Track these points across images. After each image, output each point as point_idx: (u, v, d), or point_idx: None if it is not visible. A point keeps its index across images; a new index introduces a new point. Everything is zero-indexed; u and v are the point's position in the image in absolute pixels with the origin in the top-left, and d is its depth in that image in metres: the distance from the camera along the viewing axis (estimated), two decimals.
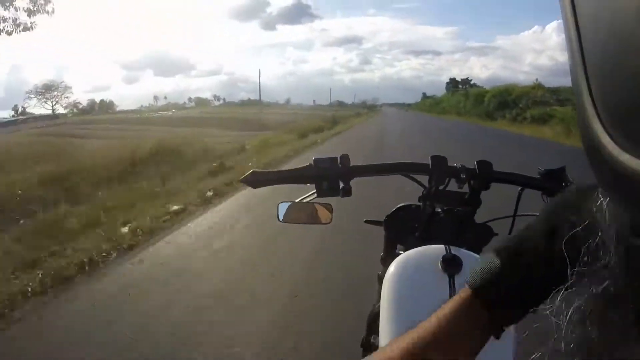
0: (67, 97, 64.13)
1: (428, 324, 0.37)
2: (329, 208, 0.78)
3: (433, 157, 0.77)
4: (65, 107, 64.77)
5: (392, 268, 0.72)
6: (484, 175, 0.75)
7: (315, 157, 0.74)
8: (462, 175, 0.75)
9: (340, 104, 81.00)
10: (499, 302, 0.34)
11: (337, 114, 30.41)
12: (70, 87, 65.71)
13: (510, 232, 0.73)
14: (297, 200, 0.78)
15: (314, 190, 0.74)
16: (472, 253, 0.70)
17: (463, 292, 0.36)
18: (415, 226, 0.82)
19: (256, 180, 0.74)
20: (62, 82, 65.02)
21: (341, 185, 0.73)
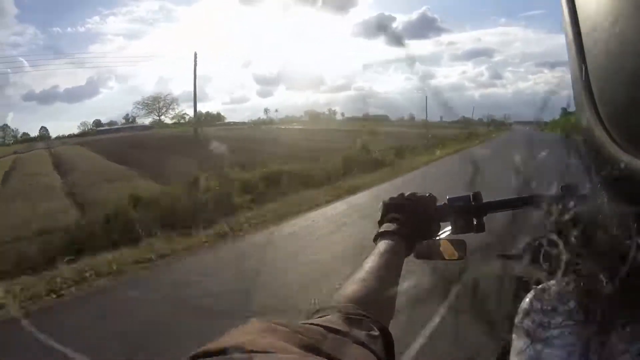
0: (172, 109, 68.58)
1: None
2: (463, 244, 0.80)
3: (563, 187, 0.75)
4: (172, 118, 69.26)
5: (526, 301, 0.72)
6: None
7: (449, 197, 0.77)
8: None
9: (466, 121, 74.42)
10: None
11: (439, 134, 27.99)
12: (177, 99, 69.71)
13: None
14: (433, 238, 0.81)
15: (449, 227, 0.77)
16: None
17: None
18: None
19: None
20: (168, 95, 69.07)
21: (475, 221, 0.75)
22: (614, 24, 0.15)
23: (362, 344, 0.41)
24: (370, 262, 0.60)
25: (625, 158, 0.16)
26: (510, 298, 0.90)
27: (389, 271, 0.60)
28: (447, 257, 0.82)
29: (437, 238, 0.80)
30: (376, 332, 0.45)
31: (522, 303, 0.72)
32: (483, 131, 43.07)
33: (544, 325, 0.67)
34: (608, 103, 0.17)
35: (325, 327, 0.38)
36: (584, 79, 0.18)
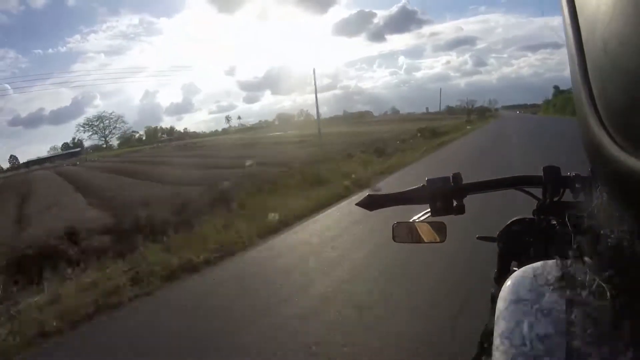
0: (118, 128, 60.16)
1: None
2: (442, 227, 0.79)
3: (545, 168, 0.74)
4: (119, 139, 60.73)
5: (507, 286, 0.69)
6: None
7: (428, 178, 0.76)
8: (576, 185, 0.72)
9: (450, 111, 66.42)
10: None
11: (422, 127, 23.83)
12: (122, 116, 61.34)
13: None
14: (411, 220, 0.81)
15: (428, 210, 0.76)
16: None
17: None
18: (530, 241, 0.78)
19: (372, 203, 0.78)
20: (112, 113, 61.09)
21: (454, 203, 0.74)
22: (614, 24, 0.15)
23: None
24: None
25: (625, 158, 0.16)
26: (492, 281, 0.90)
27: None
28: (426, 240, 0.82)
29: (416, 220, 0.79)
30: None
31: (503, 286, 0.72)
32: (454, 124, 31.24)
33: (525, 309, 0.67)
34: (608, 103, 0.17)
35: None
36: (584, 79, 0.18)
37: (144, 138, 64.14)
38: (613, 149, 0.16)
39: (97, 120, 59.08)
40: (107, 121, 59.01)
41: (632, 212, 0.19)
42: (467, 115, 50.20)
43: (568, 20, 0.19)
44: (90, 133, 57.86)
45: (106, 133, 58.35)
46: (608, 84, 0.16)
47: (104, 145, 57.08)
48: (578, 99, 0.18)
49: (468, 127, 30.32)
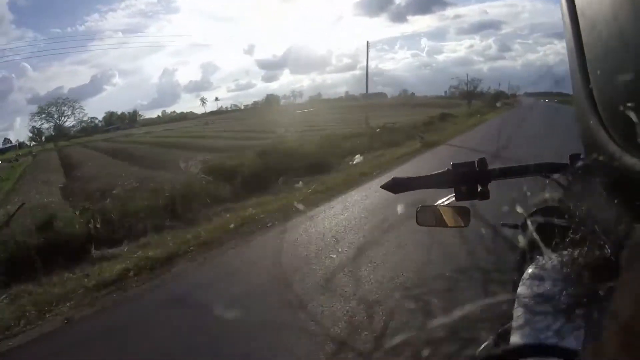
0: (73, 113, 53.52)
1: None
2: (466, 211, 0.78)
3: (572, 156, 0.72)
4: (77, 124, 54.32)
5: (528, 273, 0.70)
6: None
7: (453, 162, 0.75)
8: None
9: (451, 94, 56.44)
10: None
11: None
12: (77, 100, 54.74)
13: None
14: (436, 204, 0.81)
15: (453, 194, 0.75)
16: None
17: None
18: (554, 229, 0.79)
19: (397, 186, 0.77)
20: (65, 98, 54.86)
21: (479, 188, 0.74)
22: (614, 24, 0.15)
23: None
24: None
25: (625, 158, 0.16)
26: (512, 269, 0.89)
27: None
28: (449, 225, 0.81)
29: (441, 204, 0.79)
30: None
31: (524, 275, 0.71)
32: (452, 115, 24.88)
33: (544, 298, 0.66)
34: (608, 103, 0.17)
35: None
36: (584, 78, 0.18)
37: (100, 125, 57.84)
38: (612, 148, 0.17)
39: (49, 106, 52.10)
40: (59, 107, 52.01)
41: (631, 210, 0.18)
42: (467, 103, 36.57)
43: (568, 20, 0.18)
44: (44, 119, 51.14)
45: (61, 118, 51.63)
46: (608, 84, 0.16)
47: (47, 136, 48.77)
48: (578, 99, 0.18)
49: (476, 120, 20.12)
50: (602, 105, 0.17)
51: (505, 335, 0.86)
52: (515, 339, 0.64)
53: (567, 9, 0.19)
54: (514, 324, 0.70)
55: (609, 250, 0.32)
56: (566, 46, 0.19)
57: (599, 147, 0.17)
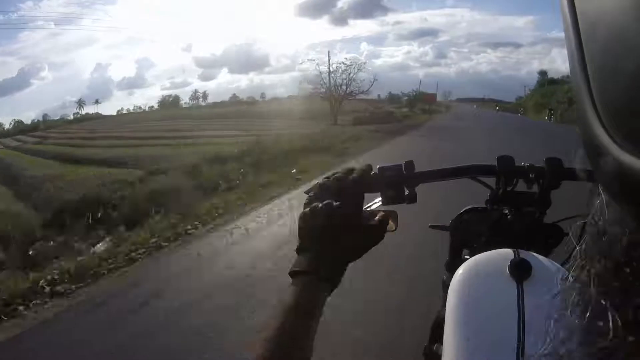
0: None
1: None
2: (394, 216, 0.71)
3: (500, 158, 0.74)
4: None
5: (458, 274, 0.70)
6: (553, 174, 0.71)
7: (380, 165, 0.72)
8: (530, 175, 0.73)
9: (392, 99, 58.60)
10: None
11: None
12: None
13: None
14: (363, 209, 0.73)
15: (379, 198, 0.72)
16: (541, 257, 0.65)
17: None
18: (482, 230, 0.78)
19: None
20: None
21: (406, 192, 0.71)
22: (614, 23, 0.15)
23: None
24: (280, 319, 0.48)
25: (625, 158, 0.15)
26: (444, 269, 0.72)
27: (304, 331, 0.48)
28: None
29: (367, 209, 0.72)
30: None
31: (455, 274, 0.71)
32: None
33: (476, 296, 0.65)
34: (608, 103, 0.16)
35: None
36: (584, 79, 0.17)
37: None
38: (613, 149, 0.16)
39: None
40: None
41: (633, 212, 0.18)
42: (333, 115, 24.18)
43: (568, 20, 0.18)
44: None
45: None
46: (608, 84, 0.16)
47: None
48: (578, 99, 0.18)
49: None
50: (603, 105, 0.17)
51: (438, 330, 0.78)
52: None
53: (567, 9, 0.18)
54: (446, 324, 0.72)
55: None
56: (566, 46, 0.19)
57: (599, 147, 0.17)
